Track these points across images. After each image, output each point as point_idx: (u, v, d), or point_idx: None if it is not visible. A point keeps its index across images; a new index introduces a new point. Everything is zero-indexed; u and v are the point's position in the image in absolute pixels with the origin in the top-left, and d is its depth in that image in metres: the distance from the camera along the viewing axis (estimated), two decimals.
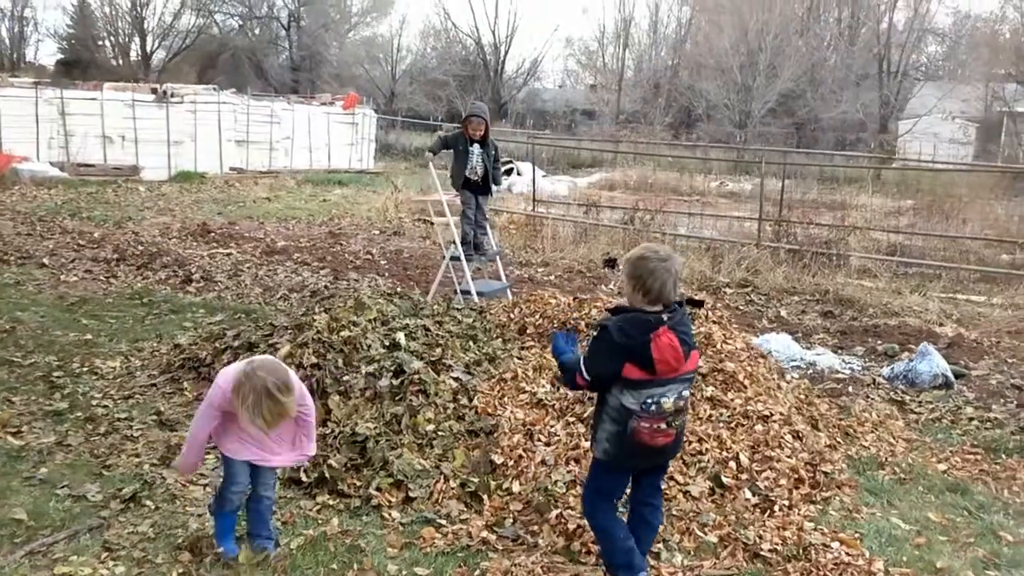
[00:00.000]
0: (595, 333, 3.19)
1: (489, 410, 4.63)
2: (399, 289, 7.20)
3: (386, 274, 9.91)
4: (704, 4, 44.70)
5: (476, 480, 4.11)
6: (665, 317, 3.04)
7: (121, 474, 4.20)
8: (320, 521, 3.81)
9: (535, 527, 3.80)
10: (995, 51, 34.59)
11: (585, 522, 3.68)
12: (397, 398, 4.64)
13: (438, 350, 5.10)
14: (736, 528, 3.80)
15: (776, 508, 4.01)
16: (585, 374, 3.13)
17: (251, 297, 8.38)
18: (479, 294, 7.41)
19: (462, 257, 7.63)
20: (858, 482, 4.50)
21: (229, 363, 4.79)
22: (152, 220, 13.01)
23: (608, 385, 3.12)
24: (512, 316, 6.06)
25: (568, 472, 4.13)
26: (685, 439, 4.25)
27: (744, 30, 36.55)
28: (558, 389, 4.78)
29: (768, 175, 13.27)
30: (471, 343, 5.44)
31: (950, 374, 6.43)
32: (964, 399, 6.13)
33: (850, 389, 6.29)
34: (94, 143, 18.22)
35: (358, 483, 4.09)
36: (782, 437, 4.54)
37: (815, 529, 3.86)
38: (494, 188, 8.11)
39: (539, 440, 4.40)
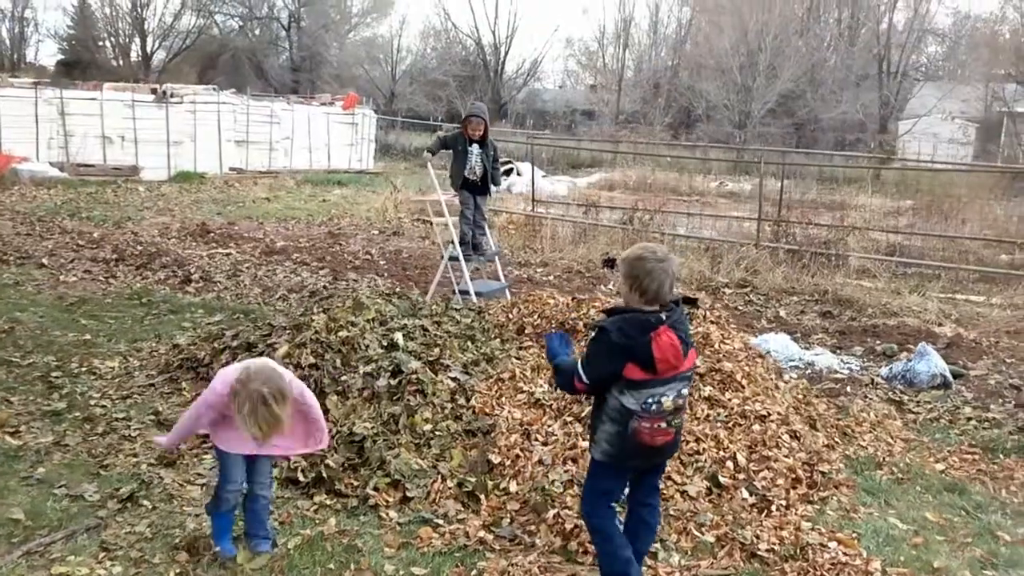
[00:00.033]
0: (592, 335, 3.15)
1: (487, 410, 4.63)
2: (398, 289, 7.20)
3: (385, 274, 9.91)
4: (704, 4, 44.70)
5: (473, 480, 4.11)
6: (664, 316, 3.04)
7: (119, 474, 4.21)
8: (317, 521, 3.81)
9: (532, 527, 3.80)
10: (995, 51, 34.58)
11: (582, 522, 3.69)
12: (395, 398, 4.64)
13: (436, 350, 5.11)
14: (733, 528, 3.80)
15: (773, 508, 4.01)
16: (584, 377, 3.10)
17: (250, 297, 8.39)
18: (478, 294, 7.41)
19: (460, 257, 7.64)
20: (856, 482, 4.50)
21: (227, 363, 4.81)
22: (151, 220, 13.01)
23: (607, 386, 3.10)
24: (510, 316, 6.07)
25: (565, 472, 4.13)
26: (683, 439, 4.25)
27: (744, 30, 36.55)
28: (556, 389, 4.78)
29: (767, 175, 13.27)
30: (469, 343, 5.45)
31: (948, 374, 6.43)
32: (962, 399, 6.14)
33: (848, 389, 6.30)
34: (94, 143, 18.22)
35: (355, 483, 4.09)
36: (779, 437, 4.54)
37: (812, 529, 3.87)
38: (493, 188, 8.11)
39: (536, 440, 4.40)
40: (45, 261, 9.33)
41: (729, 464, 4.27)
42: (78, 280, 8.63)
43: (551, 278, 10.18)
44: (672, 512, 3.92)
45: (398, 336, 5.15)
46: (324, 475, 4.11)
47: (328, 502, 3.99)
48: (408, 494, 4.03)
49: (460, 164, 7.72)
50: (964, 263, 11.46)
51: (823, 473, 4.42)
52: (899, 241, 12.68)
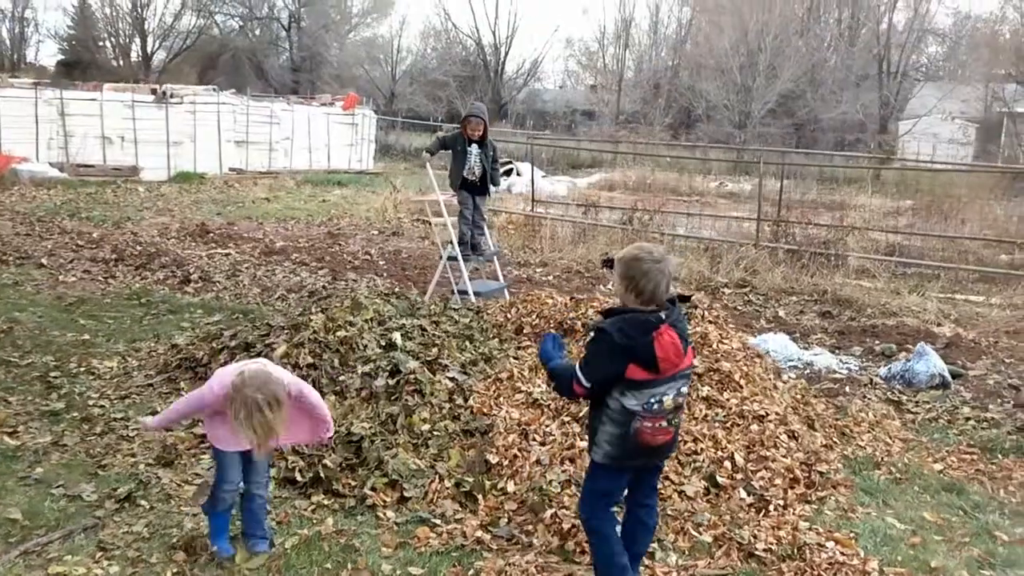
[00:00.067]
0: (591, 337, 3.10)
1: (484, 410, 4.63)
2: (397, 289, 7.20)
3: (384, 274, 9.91)
4: (704, 4, 44.69)
5: (471, 480, 4.11)
6: (663, 315, 3.04)
7: (116, 474, 4.21)
8: (315, 521, 3.81)
9: (530, 527, 3.80)
10: (995, 51, 34.56)
11: (579, 522, 3.69)
12: (393, 398, 4.64)
13: (434, 350, 5.11)
14: (731, 528, 3.80)
15: (771, 508, 4.01)
16: (584, 381, 3.05)
17: (249, 297, 8.39)
18: (476, 294, 7.41)
19: (459, 257, 7.64)
20: (854, 482, 4.50)
21: (226, 363, 4.80)
22: (151, 220, 13.02)
23: (608, 389, 3.06)
24: (509, 316, 6.06)
25: (563, 472, 4.13)
26: (681, 439, 4.26)
27: (744, 31, 36.54)
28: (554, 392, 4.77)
29: (767, 175, 13.27)
30: (467, 343, 5.45)
31: (947, 374, 6.43)
32: (961, 399, 6.13)
33: (847, 389, 6.29)
34: (93, 144, 18.23)
35: (353, 483, 4.09)
36: (777, 437, 4.54)
37: (810, 529, 3.86)
38: (492, 189, 8.11)
39: (534, 440, 4.40)
40: (44, 261, 9.34)
41: (727, 464, 4.27)
42: (77, 280, 8.64)
43: (550, 278, 10.18)
44: (670, 512, 3.91)
45: (396, 336, 5.15)
46: (322, 475, 4.11)
47: (326, 502, 3.99)
48: (406, 494, 4.03)
49: (459, 164, 7.72)
50: (964, 263, 11.46)
51: (821, 473, 4.42)
52: (899, 241, 12.68)
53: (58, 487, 4.04)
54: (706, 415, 4.62)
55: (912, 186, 18.34)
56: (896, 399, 6.09)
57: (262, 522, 3.53)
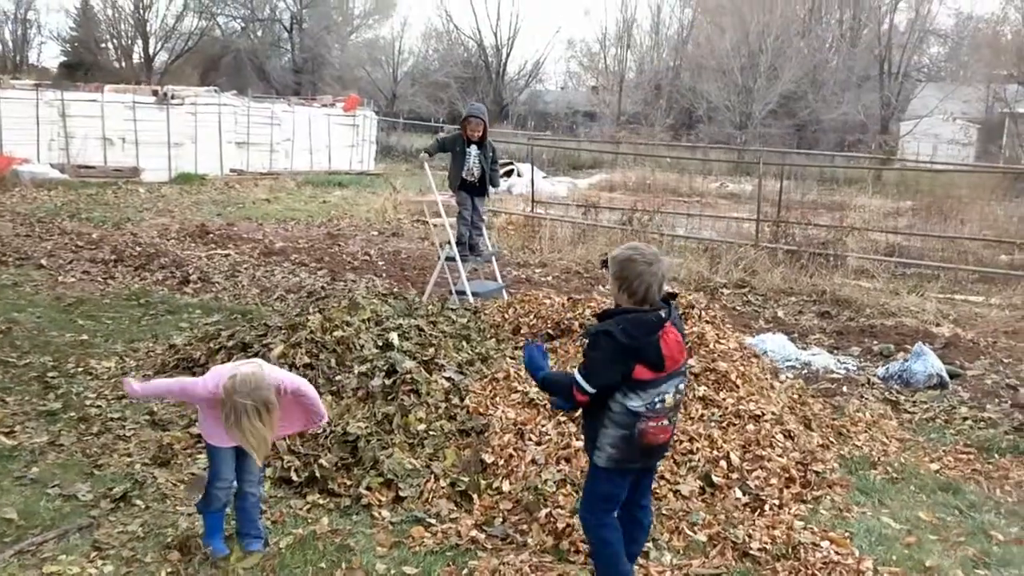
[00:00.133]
0: (591, 342, 3.04)
1: (480, 410, 4.63)
2: (395, 290, 7.21)
3: (383, 275, 9.92)
4: (706, 5, 44.70)
5: (466, 479, 4.11)
6: (663, 314, 3.03)
7: (112, 474, 4.21)
8: (310, 520, 3.82)
9: (524, 526, 3.80)
10: (996, 52, 34.54)
11: (574, 521, 3.69)
12: (389, 398, 4.65)
13: (431, 350, 5.11)
14: (726, 527, 3.80)
15: (766, 507, 4.01)
16: (588, 387, 3.00)
17: (248, 298, 8.39)
18: (474, 294, 7.41)
19: (457, 258, 7.64)
20: (850, 481, 4.49)
21: (223, 364, 4.81)
22: (151, 221, 13.03)
23: (611, 391, 3.03)
24: (506, 316, 6.07)
25: (558, 471, 4.13)
26: (676, 438, 4.26)
27: (746, 31, 36.55)
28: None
29: (767, 176, 13.26)
30: (464, 343, 5.45)
31: (945, 374, 6.42)
32: (959, 399, 6.13)
33: (845, 389, 6.29)
34: (94, 145, 18.26)
35: (348, 482, 4.10)
36: (773, 436, 4.54)
37: (805, 528, 3.86)
38: (491, 190, 8.11)
39: (530, 439, 4.40)
40: (44, 262, 9.35)
41: (722, 463, 4.26)
42: (76, 281, 8.65)
43: (549, 279, 10.18)
44: (665, 511, 3.92)
45: (393, 336, 5.15)
46: (317, 475, 4.12)
47: (321, 501, 4.00)
48: (401, 494, 4.03)
49: (458, 165, 7.73)
50: (963, 263, 11.44)
51: (817, 473, 4.42)
52: (898, 242, 12.66)
53: (54, 487, 4.04)
54: (702, 415, 4.62)
55: (912, 187, 18.32)
56: (893, 399, 6.08)
57: (256, 521, 3.53)
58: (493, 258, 8.42)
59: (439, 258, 8.00)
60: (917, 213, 14.98)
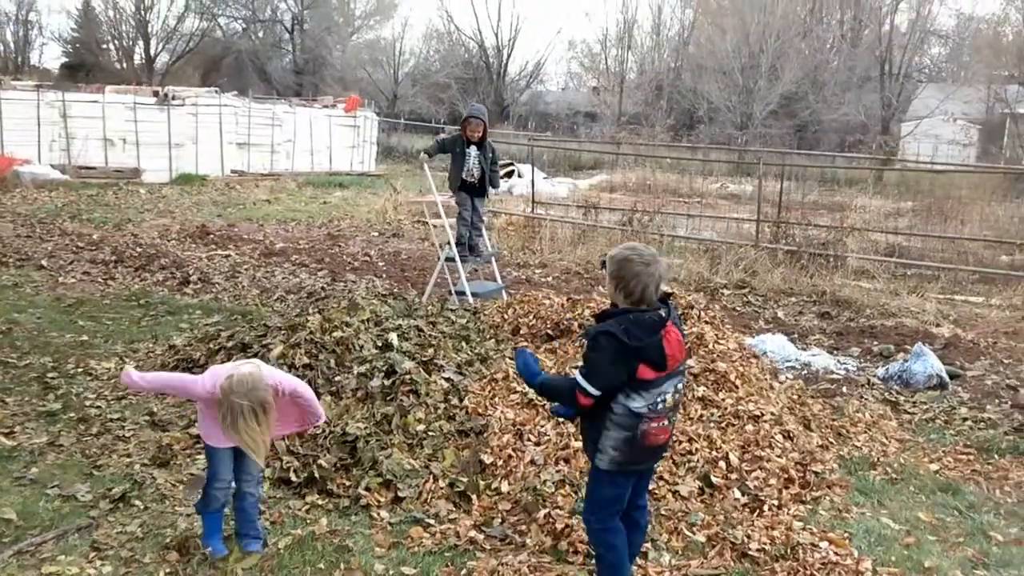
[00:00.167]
0: (591, 344, 3.01)
1: (480, 410, 4.63)
2: (395, 290, 7.21)
3: (383, 275, 9.92)
4: (707, 6, 44.68)
5: (465, 480, 4.11)
6: (664, 313, 3.03)
7: (111, 474, 4.22)
8: (309, 521, 3.82)
9: (523, 527, 3.80)
10: (997, 53, 34.51)
11: (573, 521, 3.69)
12: (388, 398, 4.65)
13: (430, 351, 5.11)
14: (724, 528, 3.80)
15: (765, 508, 4.01)
16: (592, 390, 2.97)
17: (248, 298, 8.40)
18: (474, 295, 7.42)
19: (457, 258, 7.65)
20: (849, 482, 4.50)
21: (222, 364, 4.81)
22: (151, 222, 13.04)
23: (613, 393, 3.01)
24: (506, 317, 6.07)
25: (557, 472, 4.13)
26: (675, 439, 4.26)
27: (746, 32, 36.51)
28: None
29: (768, 176, 13.25)
30: (464, 343, 5.45)
31: (945, 375, 6.42)
32: (958, 399, 6.12)
33: (844, 389, 6.29)
34: (95, 146, 18.28)
35: (347, 483, 4.10)
36: (773, 437, 4.54)
37: (804, 529, 3.86)
38: (491, 190, 8.12)
39: (529, 440, 4.40)
40: (44, 263, 9.36)
41: (721, 464, 4.26)
42: (77, 282, 8.65)
43: (549, 279, 10.18)
44: (663, 512, 3.92)
45: (393, 336, 5.15)
46: (316, 475, 4.12)
47: (320, 502, 4.00)
48: (400, 494, 4.03)
49: (458, 166, 7.74)
50: (964, 264, 11.43)
51: (816, 473, 4.42)
52: (899, 242, 12.65)
53: (53, 487, 4.05)
54: (701, 415, 4.62)
55: (913, 187, 18.30)
56: (893, 400, 6.08)
57: (254, 521, 3.53)
58: (493, 259, 8.43)
59: (439, 259, 8.01)
60: (917, 214, 14.96)
